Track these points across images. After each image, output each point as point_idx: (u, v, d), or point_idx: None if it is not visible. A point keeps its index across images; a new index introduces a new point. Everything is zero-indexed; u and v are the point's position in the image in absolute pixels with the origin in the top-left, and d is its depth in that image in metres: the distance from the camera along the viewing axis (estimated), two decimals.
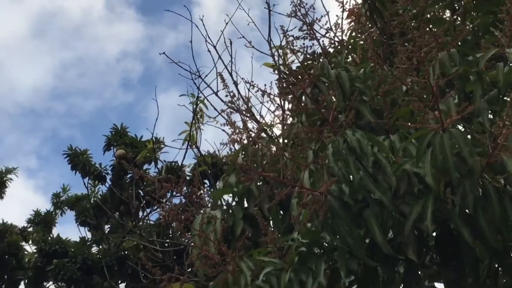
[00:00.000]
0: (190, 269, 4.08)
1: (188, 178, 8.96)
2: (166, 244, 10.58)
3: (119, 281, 14.89)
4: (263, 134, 4.65)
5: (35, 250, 15.60)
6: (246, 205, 4.30)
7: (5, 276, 16.59)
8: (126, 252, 13.98)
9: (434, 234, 3.62)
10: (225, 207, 4.34)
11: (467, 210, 3.38)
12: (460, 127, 3.62)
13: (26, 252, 15.98)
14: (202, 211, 4.26)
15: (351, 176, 3.49)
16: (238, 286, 3.76)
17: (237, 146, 4.50)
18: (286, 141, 4.50)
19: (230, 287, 3.80)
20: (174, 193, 4.38)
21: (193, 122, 8.09)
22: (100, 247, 15.77)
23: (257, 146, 4.26)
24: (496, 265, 3.86)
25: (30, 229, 16.70)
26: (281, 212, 4.16)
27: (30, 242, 16.17)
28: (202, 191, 4.80)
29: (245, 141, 4.34)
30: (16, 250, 16.14)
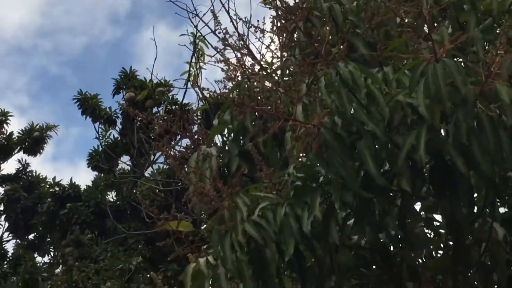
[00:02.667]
0: (187, 207, 4.10)
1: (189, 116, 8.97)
2: (173, 184, 10.64)
3: (132, 224, 15.05)
4: (258, 70, 4.61)
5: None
6: (241, 142, 4.30)
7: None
8: (137, 196, 14.09)
9: (428, 165, 3.62)
10: (220, 144, 4.33)
11: (461, 140, 3.36)
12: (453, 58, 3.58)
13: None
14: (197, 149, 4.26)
15: (344, 108, 3.46)
16: (234, 221, 3.77)
17: (232, 84, 4.48)
18: (279, 75, 4.47)
19: (227, 223, 3.82)
20: (177, 134, 4.39)
21: (192, 61, 8.04)
22: (112, 191, 15.90)
23: (251, 82, 4.23)
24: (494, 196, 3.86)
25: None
26: (276, 148, 4.15)
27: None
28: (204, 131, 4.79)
29: (240, 78, 4.32)
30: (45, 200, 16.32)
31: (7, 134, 17.11)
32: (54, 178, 16.76)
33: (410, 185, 3.42)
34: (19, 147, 17.29)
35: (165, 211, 4.15)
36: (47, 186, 16.86)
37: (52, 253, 17.05)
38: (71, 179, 16.96)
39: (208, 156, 4.13)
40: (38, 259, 16.11)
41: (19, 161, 17.30)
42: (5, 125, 17.11)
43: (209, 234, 4.02)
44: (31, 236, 17.21)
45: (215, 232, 3.88)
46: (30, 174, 17.27)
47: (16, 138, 17.22)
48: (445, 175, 3.57)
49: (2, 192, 17.10)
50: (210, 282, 4.04)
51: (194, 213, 4.34)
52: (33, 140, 17.08)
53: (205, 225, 4.08)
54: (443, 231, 4.50)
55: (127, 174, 15.33)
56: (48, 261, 16.96)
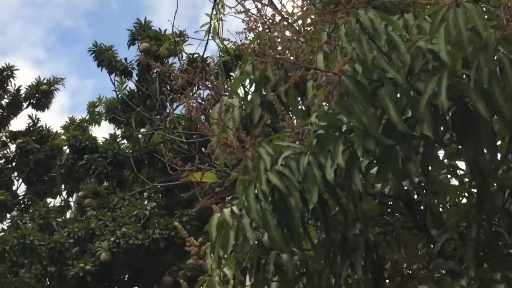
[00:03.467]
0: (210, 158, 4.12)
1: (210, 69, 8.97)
2: (194, 137, 10.70)
3: (149, 175, 15.18)
4: (279, 21, 4.60)
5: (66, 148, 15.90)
6: (263, 92, 4.30)
7: (45, 177, 17.03)
8: (155, 146, 14.18)
9: (450, 111, 3.61)
10: (242, 95, 4.34)
11: (482, 85, 3.35)
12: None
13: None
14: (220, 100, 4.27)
15: (365, 56, 3.46)
16: (258, 171, 3.80)
17: (253, 35, 4.47)
18: (300, 25, 4.45)
19: (250, 173, 3.85)
20: (198, 86, 4.40)
21: (212, 13, 8.01)
22: (129, 142, 16.00)
23: (272, 32, 4.22)
24: None
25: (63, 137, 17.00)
26: (298, 97, 4.16)
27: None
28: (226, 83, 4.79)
29: (260, 29, 4.30)
30: (58, 154, 16.47)
31: (15, 88, 17.13)
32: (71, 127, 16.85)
33: (432, 131, 3.42)
34: (28, 102, 17.34)
35: (187, 163, 4.18)
36: (63, 138, 17.01)
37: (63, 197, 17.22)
38: (88, 131, 17.14)
39: (230, 107, 4.15)
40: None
41: (29, 116, 17.42)
42: (11, 79, 17.06)
43: (233, 185, 4.05)
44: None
45: (239, 182, 3.91)
46: (40, 128, 17.39)
47: (24, 93, 17.26)
48: (467, 121, 3.57)
49: (14, 148, 17.23)
50: (235, 232, 4.09)
51: (217, 164, 4.36)
52: (41, 94, 17.11)
53: (228, 176, 4.10)
54: (466, 178, 4.50)
55: (143, 125, 15.41)
56: (60, 204, 17.18)
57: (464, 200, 4.53)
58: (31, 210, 16.35)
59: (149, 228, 14.27)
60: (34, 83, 17.25)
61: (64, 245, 14.38)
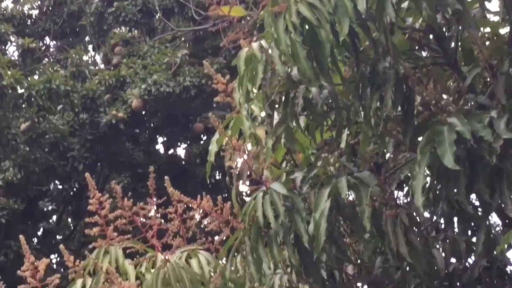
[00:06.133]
0: None
1: None
2: None
3: (178, 23, 15.09)
4: None
5: None
6: None
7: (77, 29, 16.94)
8: None
9: None
10: None
11: None
12: None
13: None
14: None
15: None
16: (288, 3, 3.76)
17: None
18: None
19: (280, 4, 3.79)
20: None
21: None
22: None
23: None
24: None
25: None
26: None
27: None
28: None
29: None
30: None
31: None
32: None
33: None
34: None
35: None
36: None
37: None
38: None
39: None
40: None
41: None
42: None
43: (262, 18, 3.99)
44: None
45: (268, 14, 3.85)
46: None
47: None
48: None
49: None
50: (263, 66, 4.07)
51: None
52: None
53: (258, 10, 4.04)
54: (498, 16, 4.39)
55: None
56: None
57: (497, 36, 4.44)
58: (62, 59, 16.42)
59: (180, 75, 14.32)
60: None
61: (96, 93, 14.51)
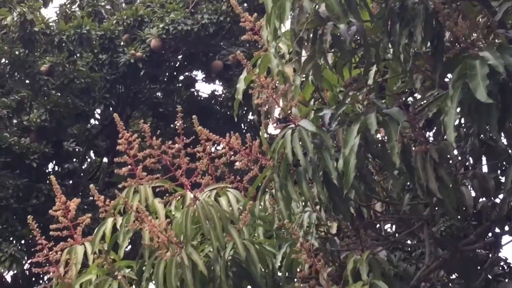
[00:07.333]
0: None
1: None
2: None
3: None
4: None
5: None
6: None
7: None
8: None
9: None
10: None
11: None
12: None
13: None
14: None
15: None
16: None
17: None
18: None
19: None
20: None
21: None
22: None
23: None
24: None
25: None
26: None
27: None
28: None
29: None
30: None
31: None
32: None
33: None
34: None
35: None
36: None
37: None
38: None
39: None
40: None
41: None
42: None
43: None
44: None
45: None
46: None
47: None
48: None
49: None
50: (291, 2, 4.03)
51: None
52: None
53: None
54: None
55: None
56: None
57: None
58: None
59: (198, 13, 14.21)
60: None
61: (114, 33, 14.43)
